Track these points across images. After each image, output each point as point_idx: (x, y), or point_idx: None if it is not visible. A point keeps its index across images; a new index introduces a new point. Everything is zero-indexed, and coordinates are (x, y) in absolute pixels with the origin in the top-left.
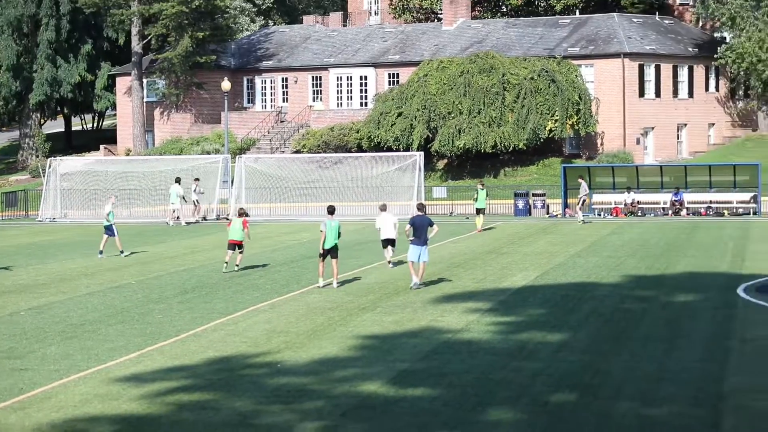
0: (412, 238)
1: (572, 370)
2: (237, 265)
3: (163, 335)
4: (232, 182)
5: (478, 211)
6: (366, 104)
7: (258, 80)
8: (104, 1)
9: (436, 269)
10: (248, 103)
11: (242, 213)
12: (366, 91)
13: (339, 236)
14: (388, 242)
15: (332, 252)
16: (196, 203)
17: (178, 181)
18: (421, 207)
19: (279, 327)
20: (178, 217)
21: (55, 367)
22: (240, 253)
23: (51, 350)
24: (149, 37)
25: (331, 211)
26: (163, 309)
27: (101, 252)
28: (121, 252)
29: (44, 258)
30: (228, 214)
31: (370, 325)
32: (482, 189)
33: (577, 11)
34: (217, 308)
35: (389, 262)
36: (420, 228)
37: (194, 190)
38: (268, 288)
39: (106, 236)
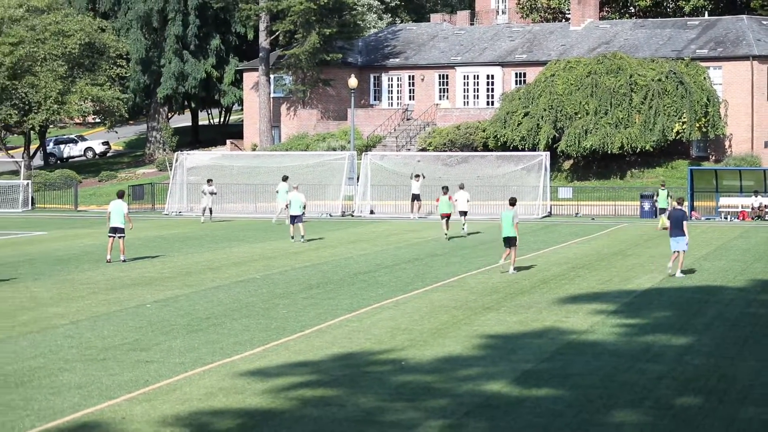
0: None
1: (697, 374)
2: (446, 233)
3: (288, 330)
4: (358, 179)
5: (662, 211)
6: (492, 103)
7: (384, 78)
8: None
9: (561, 270)
10: (374, 100)
11: (446, 189)
12: (492, 90)
13: (513, 226)
14: (462, 213)
15: (508, 241)
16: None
17: (285, 179)
18: (680, 201)
19: (403, 325)
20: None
21: (180, 360)
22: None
23: (176, 343)
24: (277, 33)
25: (511, 202)
26: (287, 304)
27: (292, 237)
28: (302, 237)
29: (170, 251)
30: (353, 211)
31: (494, 325)
32: (663, 189)
33: (706, 13)
34: (342, 305)
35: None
36: (674, 221)
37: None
38: (393, 285)
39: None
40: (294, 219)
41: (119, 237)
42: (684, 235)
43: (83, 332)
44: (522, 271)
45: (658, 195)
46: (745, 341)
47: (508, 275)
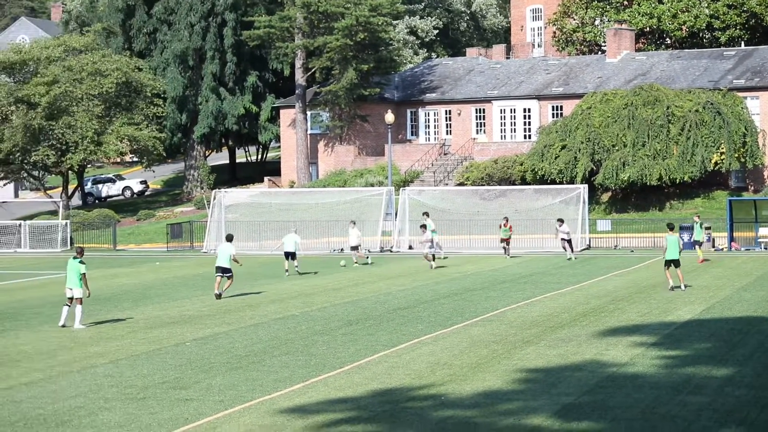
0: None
1: (739, 405)
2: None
3: (327, 367)
4: (396, 214)
5: (695, 244)
6: (530, 137)
7: (421, 112)
8: (268, 34)
9: (601, 302)
10: (411, 135)
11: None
12: (529, 123)
13: (680, 250)
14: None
15: (674, 262)
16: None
17: (354, 223)
18: (671, 227)
19: (443, 359)
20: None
21: (220, 398)
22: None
23: (216, 381)
24: (313, 70)
25: (670, 227)
26: (327, 341)
27: (287, 270)
28: (296, 269)
29: (209, 289)
30: (391, 247)
31: (534, 359)
32: (698, 222)
33: (743, 43)
34: (381, 340)
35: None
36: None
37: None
38: (432, 320)
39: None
40: (288, 255)
41: (227, 276)
42: None
43: (123, 371)
44: (561, 304)
45: (694, 227)
46: None
47: (680, 291)
